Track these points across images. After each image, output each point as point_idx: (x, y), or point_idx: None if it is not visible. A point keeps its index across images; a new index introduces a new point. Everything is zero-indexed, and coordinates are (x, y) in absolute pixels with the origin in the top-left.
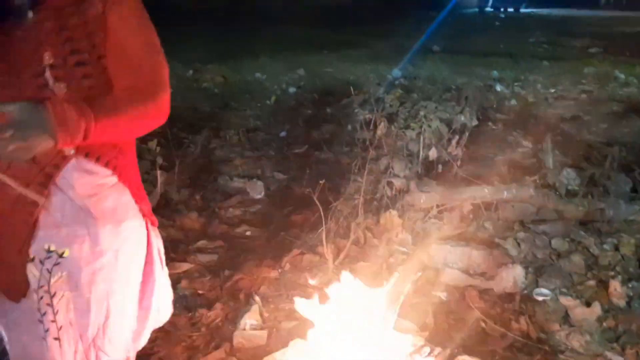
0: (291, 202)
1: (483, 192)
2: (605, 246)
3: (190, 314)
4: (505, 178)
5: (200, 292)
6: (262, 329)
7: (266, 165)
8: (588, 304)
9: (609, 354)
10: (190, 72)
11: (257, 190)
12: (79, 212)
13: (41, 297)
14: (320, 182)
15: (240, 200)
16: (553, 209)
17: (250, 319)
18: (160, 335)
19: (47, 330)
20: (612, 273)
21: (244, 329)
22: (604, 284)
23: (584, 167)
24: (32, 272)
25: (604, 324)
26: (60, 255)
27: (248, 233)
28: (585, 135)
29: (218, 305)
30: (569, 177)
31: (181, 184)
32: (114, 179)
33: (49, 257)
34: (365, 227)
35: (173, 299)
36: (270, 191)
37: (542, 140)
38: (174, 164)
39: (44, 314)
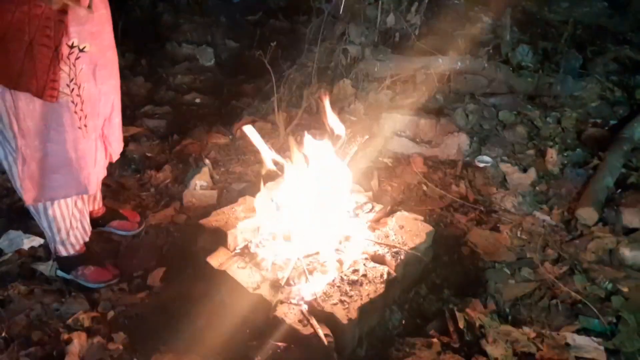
0: (243, 70)
1: (437, 62)
2: (548, 119)
3: (138, 175)
4: (461, 52)
5: (148, 154)
6: (212, 189)
7: (217, 32)
8: (525, 170)
9: (537, 213)
10: None
11: (207, 57)
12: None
13: (72, 89)
14: (272, 44)
15: (189, 67)
16: (504, 82)
17: (200, 180)
18: (109, 194)
19: (80, 119)
20: (551, 143)
21: (194, 189)
22: (542, 153)
23: (539, 44)
24: (63, 68)
25: (537, 188)
26: (82, 50)
27: (197, 100)
28: (546, 14)
29: (167, 168)
30: (523, 53)
31: (125, 49)
32: None
33: (72, 53)
34: (317, 95)
35: (120, 160)
36: (221, 59)
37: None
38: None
39: (76, 104)
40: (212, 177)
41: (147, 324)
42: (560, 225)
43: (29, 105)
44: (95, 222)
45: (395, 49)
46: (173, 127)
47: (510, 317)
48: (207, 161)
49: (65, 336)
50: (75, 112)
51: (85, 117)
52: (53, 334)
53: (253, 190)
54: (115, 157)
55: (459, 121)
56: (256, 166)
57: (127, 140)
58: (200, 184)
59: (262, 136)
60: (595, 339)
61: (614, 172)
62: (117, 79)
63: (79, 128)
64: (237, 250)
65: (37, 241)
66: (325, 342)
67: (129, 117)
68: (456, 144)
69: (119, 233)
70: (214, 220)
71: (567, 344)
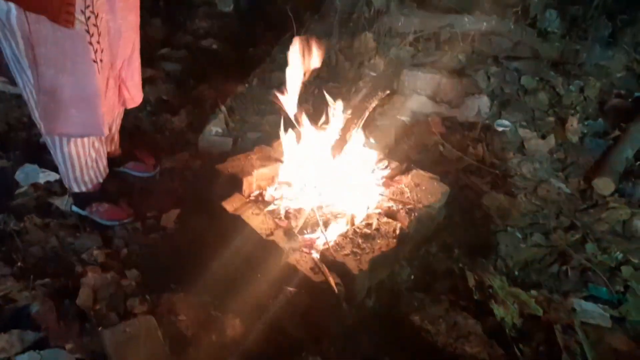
0: (262, 18)
1: (462, 21)
2: (571, 87)
3: (154, 118)
4: (488, 12)
5: (164, 97)
6: (227, 137)
7: None
8: (544, 137)
9: (553, 180)
10: None
11: (226, 3)
12: None
13: (88, 17)
14: None
15: (207, 12)
16: (529, 46)
17: (215, 127)
18: (123, 136)
19: (96, 52)
20: (572, 112)
21: (210, 135)
22: (562, 121)
23: (569, 9)
24: None
25: (554, 156)
26: None
27: (214, 46)
28: None
29: (183, 112)
30: (551, 18)
31: None
32: None
33: None
34: (338, 48)
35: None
36: (240, 5)
37: None
38: None
39: (92, 35)
40: (227, 124)
41: (159, 263)
42: (576, 194)
43: (43, 31)
44: (112, 162)
45: (420, 4)
46: (189, 71)
47: (519, 280)
48: (222, 108)
49: (80, 269)
50: (91, 44)
51: (102, 52)
52: (68, 266)
53: (268, 140)
54: (133, 104)
55: (480, 83)
56: (272, 117)
57: (143, 82)
58: (215, 130)
59: (279, 87)
60: (601, 306)
61: (635, 145)
62: (137, 16)
63: (94, 62)
64: (252, 198)
65: (52, 176)
66: (336, 290)
67: (145, 59)
68: (476, 106)
69: (134, 174)
70: (229, 166)
71: (574, 309)
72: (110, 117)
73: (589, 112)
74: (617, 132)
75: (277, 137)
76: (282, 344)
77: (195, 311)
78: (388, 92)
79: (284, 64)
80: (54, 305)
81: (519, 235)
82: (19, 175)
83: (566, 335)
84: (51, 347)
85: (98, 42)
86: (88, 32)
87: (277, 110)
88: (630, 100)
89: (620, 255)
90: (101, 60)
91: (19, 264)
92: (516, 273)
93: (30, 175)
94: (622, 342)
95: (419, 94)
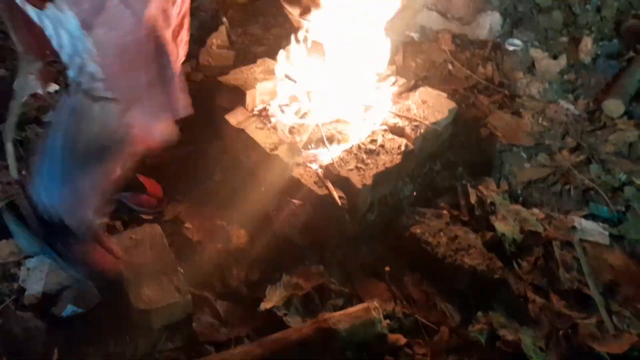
0: None
1: None
2: (587, 6)
3: None
4: None
5: None
6: (229, 50)
7: None
8: (555, 57)
9: (562, 102)
10: None
11: None
12: None
13: None
14: None
15: None
16: None
17: (217, 39)
18: None
19: None
20: (587, 32)
21: (211, 48)
22: (575, 42)
23: None
24: None
25: (565, 77)
26: None
27: None
28: None
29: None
30: None
31: None
32: None
33: None
34: None
35: None
36: None
37: None
38: None
39: None
40: (229, 37)
41: (162, 175)
42: (584, 115)
43: None
44: None
45: None
46: None
47: (521, 199)
48: (224, 19)
49: None
50: None
51: None
52: None
53: (272, 54)
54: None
55: (493, 0)
56: (276, 29)
57: None
58: (216, 43)
59: None
60: (601, 224)
61: None
62: None
63: None
64: (255, 112)
65: (53, 87)
66: (339, 203)
67: None
68: (488, 24)
69: (132, 207)
70: (232, 78)
71: (574, 227)
72: None
73: (604, 32)
74: (631, 54)
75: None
76: (285, 252)
77: (201, 220)
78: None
79: None
80: None
81: (524, 155)
82: (17, 85)
83: (564, 251)
84: None
85: None
86: None
87: (282, 23)
88: None
89: (624, 176)
90: None
91: (22, 172)
92: (519, 192)
93: (29, 84)
94: (618, 259)
95: (430, 9)
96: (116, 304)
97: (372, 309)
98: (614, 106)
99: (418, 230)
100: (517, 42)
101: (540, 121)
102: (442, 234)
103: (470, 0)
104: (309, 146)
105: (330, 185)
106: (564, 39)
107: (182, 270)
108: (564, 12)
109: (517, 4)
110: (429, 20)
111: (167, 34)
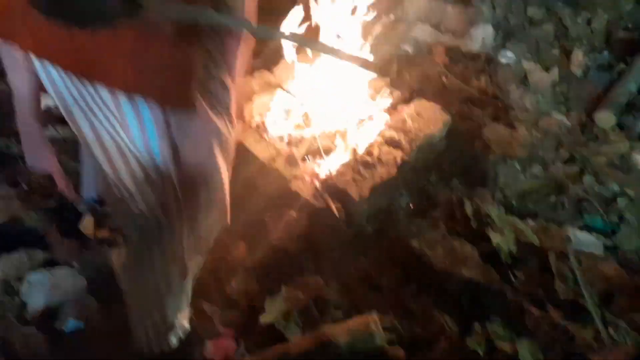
0: None
1: None
2: (578, 19)
3: None
4: None
5: None
6: None
7: None
8: (547, 70)
9: (554, 113)
10: None
11: None
12: None
13: None
14: None
15: None
16: None
17: None
18: None
19: None
20: (578, 44)
21: None
22: (567, 54)
23: None
24: None
25: (557, 89)
26: None
27: None
28: None
29: None
30: None
31: None
32: None
33: None
34: None
35: None
36: None
37: None
38: None
39: None
40: None
41: None
42: (576, 127)
43: None
44: None
45: None
46: None
47: (516, 210)
48: None
49: None
50: None
51: None
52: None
53: (268, 64)
54: None
55: (485, 12)
56: (273, 42)
57: None
58: None
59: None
60: (595, 235)
61: (639, 78)
62: None
63: None
64: (253, 125)
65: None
66: (337, 215)
67: None
68: (481, 36)
69: None
70: None
71: (568, 238)
72: None
73: (595, 45)
74: (622, 66)
75: (277, 62)
76: (283, 263)
77: None
78: (392, 17)
79: None
80: (57, 225)
81: (518, 167)
82: None
83: (560, 262)
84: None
85: None
86: None
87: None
88: (637, 33)
89: (617, 188)
90: None
91: (24, 186)
92: (514, 203)
93: None
94: (613, 269)
95: (424, 22)
96: (115, 316)
97: (371, 322)
98: (605, 117)
99: (415, 242)
100: (510, 54)
101: (533, 133)
102: (438, 245)
103: (463, 14)
104: (306, 158)
105: (327, 197)
106: (556, 51)
107: None
108: (555, 25)
109: (509, 17)
110: (423, 34)
111: None
